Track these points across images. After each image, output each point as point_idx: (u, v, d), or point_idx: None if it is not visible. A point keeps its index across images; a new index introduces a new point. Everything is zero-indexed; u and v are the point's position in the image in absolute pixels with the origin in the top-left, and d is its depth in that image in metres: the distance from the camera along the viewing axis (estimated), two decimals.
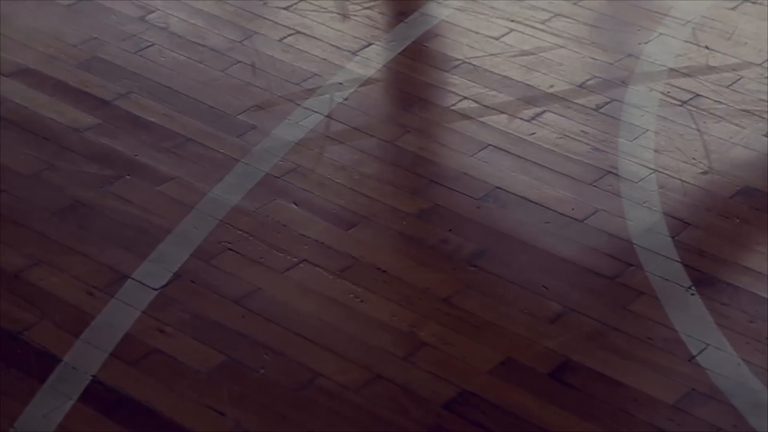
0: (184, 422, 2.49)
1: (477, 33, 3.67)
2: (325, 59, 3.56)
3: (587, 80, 3.50)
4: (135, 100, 3.38)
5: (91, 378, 2.55)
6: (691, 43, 3.63)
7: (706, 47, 3.62)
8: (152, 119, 3.32)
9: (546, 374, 2.65)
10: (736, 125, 3.35)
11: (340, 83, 3.48)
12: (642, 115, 3.38)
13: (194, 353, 2.65)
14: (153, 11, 3.70)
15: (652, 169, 3.20)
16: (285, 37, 3.64)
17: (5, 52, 3.50)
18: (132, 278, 2.81)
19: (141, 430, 2.45)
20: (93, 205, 3.02)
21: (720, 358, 2.67)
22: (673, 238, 2.99)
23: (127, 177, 3.12)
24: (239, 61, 3.54)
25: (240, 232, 2.98)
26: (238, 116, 3.35)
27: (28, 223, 2.93)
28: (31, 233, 2.91)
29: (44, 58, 3.49)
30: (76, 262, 2.84)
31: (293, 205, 3.08)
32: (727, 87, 3.47)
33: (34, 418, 2.45)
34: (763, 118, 3.37)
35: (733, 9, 3.76)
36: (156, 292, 2.79)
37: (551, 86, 3.48)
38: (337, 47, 3.61)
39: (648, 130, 3.33)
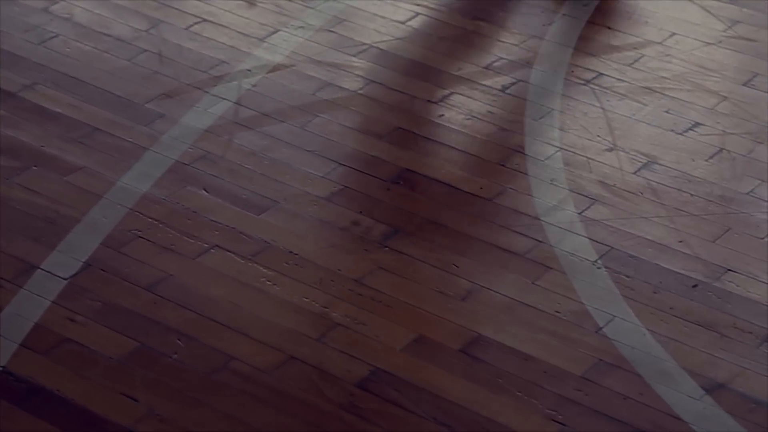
0: (97, 409, 2.48)
1: (383, 17, 3.70)
2: (232, 46, 3.56)
3: (493, 62, 3.54)
4: (41, 92, 3.35)
5: (0, 369, 2.53)
6: (593, 23, 3.69)
7: (608, 27, 3.68)
8: (58, 110, 3.30)
9: (457, 350, 2.68)
10: (639, 102, 3.41)
11: (248, 70, 3.48)
12: (547, 95, 3.43)
13: (106, 341, 2.65)
14: (57, 2, 3.67)
15: (558, 147, 3.25)
16: (192, 25, 3.64)
17: None
18: (41, 269, 2.80)
19: (53, 418, 2.44)
20: (0, 197, 2.99)
21: (626, 329, 2.73)
22: (579, 213, 3.04)
23: (34, 168, 3.10)
24: (146, 50, 3.53)
25: (150, 219, 2.98)
26: (146, 105, 3.34)
27: None
28: None
29: None
30: None
31: (203, 191, 3.08)
32: (629, 65, 3.53)
33: None
34: (665, 95, 3.43)
35: None
36: (66, 282, 2.77)
37: (459, 69, 3.52)
38: (245, 34, 3.61)
39: (553, 109, 3.38)
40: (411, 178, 3.15)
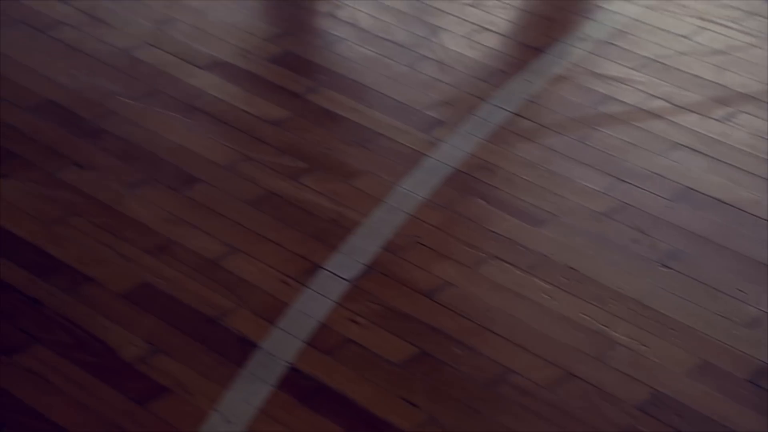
0: (379, 412, 2.51)
1: (666, 31, 3.62)
2: (512, 55, 3.55)
3: None
4: (324, 94, 3.42)
5: (288, 365, 2.59)
6: None
7: None
8: (341, 113, 3.36)
9: (744, 379, 2.59)
10: None
11: (528, 80, 3.46)
12: None
13: (386, 344, 2.67)
14: (342, 7, 3.74)
15: None
16: (471, 33, 3.64)
17: (202, 45, 3.58)
18: (324, 269, 2.85)
19: (337, 418, 2.48)
20: (286, 196, 3.06)
21: None
22: None
23: (319, 170, 3.16)
24: (426, 57, 3.56)
25: (429, 226, 2.99)
26: (426, 111, 3.36)
27: (225, 212, 2.99)
28: (228, 222, 2.97)
29: (238, 51, 3.56)
30: (270, 251, 2.88)
31: (481, 200, 3.08)
32: None
33: (234, 402, 2.50)
34: None
35: None
36: (348, 283, 2.81)
37: (744, 86, 3.41)
38: (524, 44, 3.59)
39: None
40: (693, 196, 3.07)
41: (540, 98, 3.40)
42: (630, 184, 3.12)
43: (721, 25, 3.62)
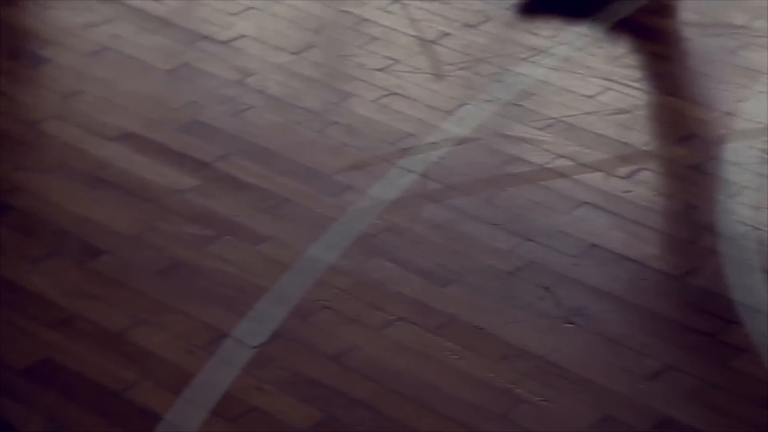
0: None
1: (571, 92, 3.68)
2: (420, 119, 3.60)
3: (684, 138, 3.48)
4: (234, 162, 3.44)
5: None
6: None
7: None
8: (250, 180, 3.38)
9: (647, 431, 2.62)
10: None
11: (435, 142, 3.50)
12: (740, 173, 3.35)
13: (292, 411, 2.67)
14: (251, 75, 3.77)
15: (751, 226, 3.17)
16: (380, 98, 3.68)
17: (110, 116, 3.59)
18: (231, 336, 2.85)
19: None
20: (193, 264, 3.07)
21: None
22: None
23: (227, 237, 3.17)
24: (335, 122, 3.59)
25: (337, 290, 3.01)
26: (335, 176, 3.39)
27: (130, 283, 2.99)
28: (133, 293, 2.97)
29: (147, 122, 3.58)
30: (176, 321, 2.88)
31: (389, 263, 3.10)
32: None
33: None
34: None
35: None
36: (254, 350, 2.82)
37: (646, 143, 3.47)
38: (432, 107, 3.64)
39: (747, 187, 3.30)
40: (598, 253, 3.11)
41: (447, 160, 3.44)
42: (536, 242, 3.16)
43: (624, 84, 3.69)
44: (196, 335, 2.84)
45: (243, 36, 3.90)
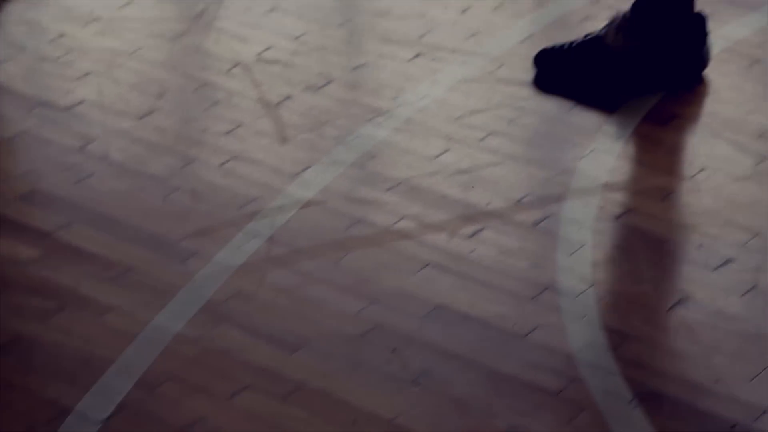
0: None
1: (414, 153, 3.73)
2: (265, 183, 3.60)
3: (524, 196, 3.56)
4: (76, 231, 3.39)
5: None
6: (622, 158, 3.71)
7: (639, 162, 3.70)
8: (94, 249, 3.33)
9: None
10: (670, 237, 3.41)
11: (281, 206, 3.51)
12: (578, 230, 3.44)
13: None
14: (92, 141, 3.73)
15: (590, 282, 3.25)
16: (225, 162, 3.68)
17: None
18: (75, 412, 2.80)
19: None
20: (35, 338, 3.01)
21: None
22: (613, 351, 3.03)
23: (70, 309, 3.12)
24: (180, 188, 3.57)
25: (183, 359, 2.98)
26: (180, 243, 3.37)
27: None
28: None
29: None
30: (16, 399, 2.82)
31: (236, 330, 3.09)
32: (660, 200, 3.54)
33: None
34: (696, 230, 3.44)
35: (663, 125, 3.85)
36: (99, 425, 2.77)
37: (489, 203, 3.54)
38: (277, 170, 3.65)
39: (585, 244, 3.38)
40: (443, 314, 3.15)
41: (293, 224, 3.45)
42: (382, 304, 3.19)
43: (466, 144, 3.76)
44: (39, 412, 2.79)
45: (83, 101, 3.87)
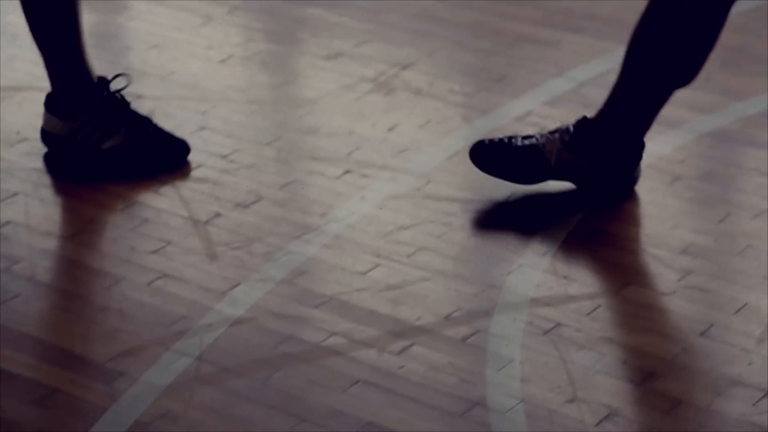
0: None
1: (344, 269, 3.74)
2: (194, 301, 3.59)
3: (453, 312, 3.58)
4: (0, 353, 3.34)
5: None
6: (549, 273, 3.75)
7: (565, 277, 3.74)
8: (18, 371, 3.28)
9: None
10: (597, 352, 3.44)
11: (210, 324, 3.50)
12: (507, 345, 3.45)
13: None
14: (18, 262, 3.70)
15: (519, 398, 3.25)
16: (153, 281, 3.66)
17: None
18: None
19: None
20: None
21: None
22: None
23: None
24: (107, 307, 3.55)
25: None
26: (106, 363, 3.33)
27: None
28: None
29: None
30: None
31: None
32: (587, 315, 3.58)
33: None
34: (622, 345, 3.46)
35: (588, 240, 3.90)
36: None
37: (418, 319, 3.55)
38: (206, 288, 3.64)
39: (513, 360, 3.40)
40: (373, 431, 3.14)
41: (222, 342, 3.43)
42: (312, 422, 3.16)
43: (395, 260, 3.78)
44: None
45: (9, 222, 3.85)
